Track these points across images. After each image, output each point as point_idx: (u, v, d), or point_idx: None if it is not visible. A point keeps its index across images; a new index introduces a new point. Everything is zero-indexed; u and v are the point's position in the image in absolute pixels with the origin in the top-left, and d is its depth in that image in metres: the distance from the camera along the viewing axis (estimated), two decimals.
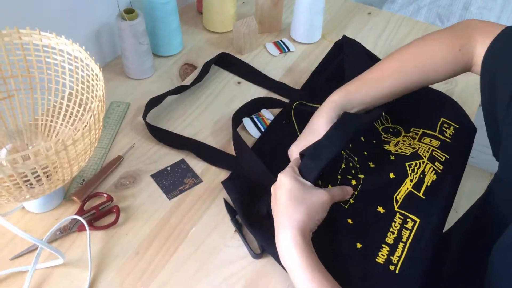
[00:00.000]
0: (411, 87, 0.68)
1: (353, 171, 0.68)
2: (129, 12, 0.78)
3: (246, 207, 0.64)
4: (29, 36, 0.61)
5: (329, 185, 0.64)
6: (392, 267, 0.58)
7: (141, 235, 0.63)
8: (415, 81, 0.67)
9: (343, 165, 0.67)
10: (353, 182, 0.66)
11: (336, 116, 0.65)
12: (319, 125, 0.65)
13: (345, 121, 0.64)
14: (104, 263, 0.60)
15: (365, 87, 0.67)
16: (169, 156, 0.73)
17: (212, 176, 0.71)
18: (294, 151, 0.66)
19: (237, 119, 0.77)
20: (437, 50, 0.66)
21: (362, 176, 0.67)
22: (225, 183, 0.68)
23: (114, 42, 0.89)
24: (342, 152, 0.67)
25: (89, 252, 0.59)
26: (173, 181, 0.70)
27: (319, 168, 0.59)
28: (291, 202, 0.56)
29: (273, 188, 0.60)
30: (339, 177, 0.66)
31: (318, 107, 0.69)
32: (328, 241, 0.56)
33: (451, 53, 0.65)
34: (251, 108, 0.80)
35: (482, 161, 1.84)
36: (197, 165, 0.72)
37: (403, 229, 0.62)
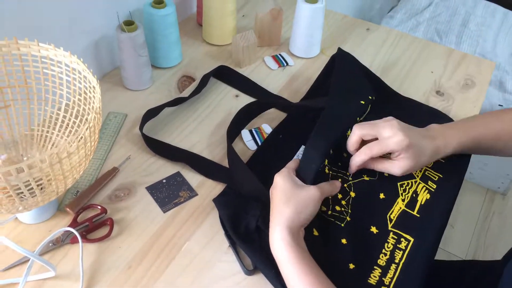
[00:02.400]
0: (495, 152, 0.71)
1: (345, 186, 0.68)
2: (129, 24, 0.79)
3: (236, 223, 0.63)
4: (27, 47, 0.62)
5: (322, 207, 0.65)
6: None
7: (134, 248, 0.63)
8: (503, 147, 0.69)
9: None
10: (343, 202, 0.66)
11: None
12: None
13: (325, 125, 0.69)
14: (96, 276, 0.60)
15: (469, 145, 0.68)
16: (165, 169, 0.73)
17: (208, 190, 0.71)
18: None
19: (232, 133, 0.77)
20: None
21: (353, 195, 0.67)
22: (216, 200, 0.68)
23: (113, 52, 0.89)
24: (329, 171, 0.68)
25: (81, 265, 0.59)
26: (168, 194, 0.70)
27: (315, 170, 0.63)
28: (282, 200, 0.59)
29: (270, 190, 0.62)
30: (330, 197, 0.66)
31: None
32: (321, 261, 0.56)
33: None
34: (243, 118, 0.80)
35: (479, 176, 1.84)
36: (193, 178, 0.72)
37: (396, 250, 0.61)
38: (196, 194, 0.70)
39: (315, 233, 0.62)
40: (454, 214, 1.76)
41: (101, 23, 0.83)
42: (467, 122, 0.70)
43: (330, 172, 0.68)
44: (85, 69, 0.59)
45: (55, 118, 0.67)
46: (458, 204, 1.83)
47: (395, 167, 0.64)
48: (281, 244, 0.55)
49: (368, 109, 0.76)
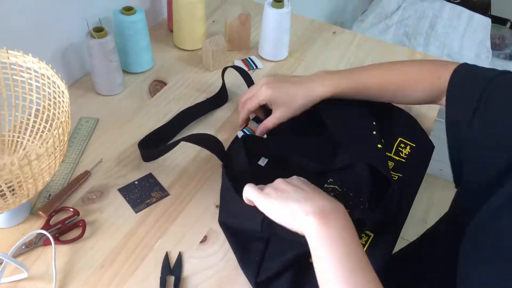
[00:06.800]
0: (388, 100, 0.78)
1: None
2: (99, 30, 0.81)
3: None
4: None
5: None
6: None
7: (107, 248, 0.64)
8: (392, 97, 0.76)
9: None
10: None
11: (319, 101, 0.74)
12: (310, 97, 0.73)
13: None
14: (69, 276, 0.61)
15: (350, 91, 0.74)
16: (137, 171, 0.75)
17: (179, 189, 0.73)
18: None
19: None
20: (419, 73, 0.73)
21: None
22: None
23: (83, 59, 0.91)
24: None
25: (54, 266, 0.60)
26: (140, 194, 0.71)
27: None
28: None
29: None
30: None
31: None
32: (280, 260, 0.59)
33: (430, 78, 0.71)
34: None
35: (450, 173, 1.90)
36: (165, 179, 0.74)
37: (362, 234, 0.64)
38: (168, 194, 0.72)
39: None
40: (426, 210, 1.81)
41: (70, 30, 0.85)
42: (353, 70, 0.76)
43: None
44: (54, 74, 0.60)
45: (26, 123, 0.68)
46: (431, 200, 1.89)
47: (275, 115, 0.74)
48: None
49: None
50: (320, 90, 0.72)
